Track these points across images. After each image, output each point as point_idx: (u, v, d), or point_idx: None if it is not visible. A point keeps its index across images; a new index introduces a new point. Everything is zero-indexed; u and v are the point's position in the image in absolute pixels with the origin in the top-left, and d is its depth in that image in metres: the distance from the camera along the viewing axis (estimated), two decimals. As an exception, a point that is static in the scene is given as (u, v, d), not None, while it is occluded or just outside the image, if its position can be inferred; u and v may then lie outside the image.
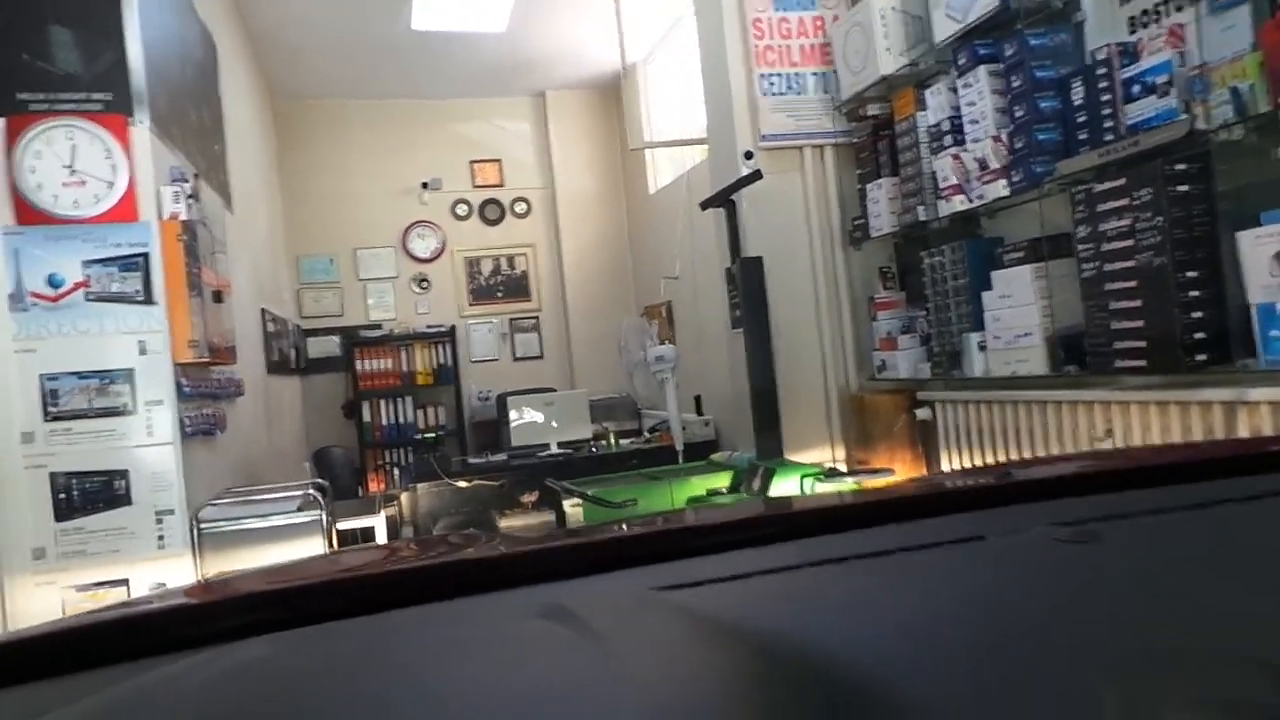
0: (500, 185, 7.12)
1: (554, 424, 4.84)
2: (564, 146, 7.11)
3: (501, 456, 4.90)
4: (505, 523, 4.00)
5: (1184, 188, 2.25)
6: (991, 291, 2.98)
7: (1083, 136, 2.59)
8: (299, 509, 3.16)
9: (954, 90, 3.13)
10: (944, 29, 3.13)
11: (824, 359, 3.92)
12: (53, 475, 2.77)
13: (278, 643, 0.52)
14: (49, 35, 2.79)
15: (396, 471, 6.28)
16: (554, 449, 4.80)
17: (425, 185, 6.89)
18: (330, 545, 3.18)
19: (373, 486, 6.22)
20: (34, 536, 2.75)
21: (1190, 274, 2.24)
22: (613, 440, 4.98)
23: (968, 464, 3.20)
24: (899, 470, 3.45)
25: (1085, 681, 0.39)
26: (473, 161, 7.06)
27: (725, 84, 3.94)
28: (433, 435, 6.38)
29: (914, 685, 0.39)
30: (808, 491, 2.81)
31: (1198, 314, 2.24)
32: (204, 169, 3.63)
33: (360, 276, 6.86)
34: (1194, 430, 2.28)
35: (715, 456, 3.75)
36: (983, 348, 3.05)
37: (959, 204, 3.13)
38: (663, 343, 4.53)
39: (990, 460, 3.08)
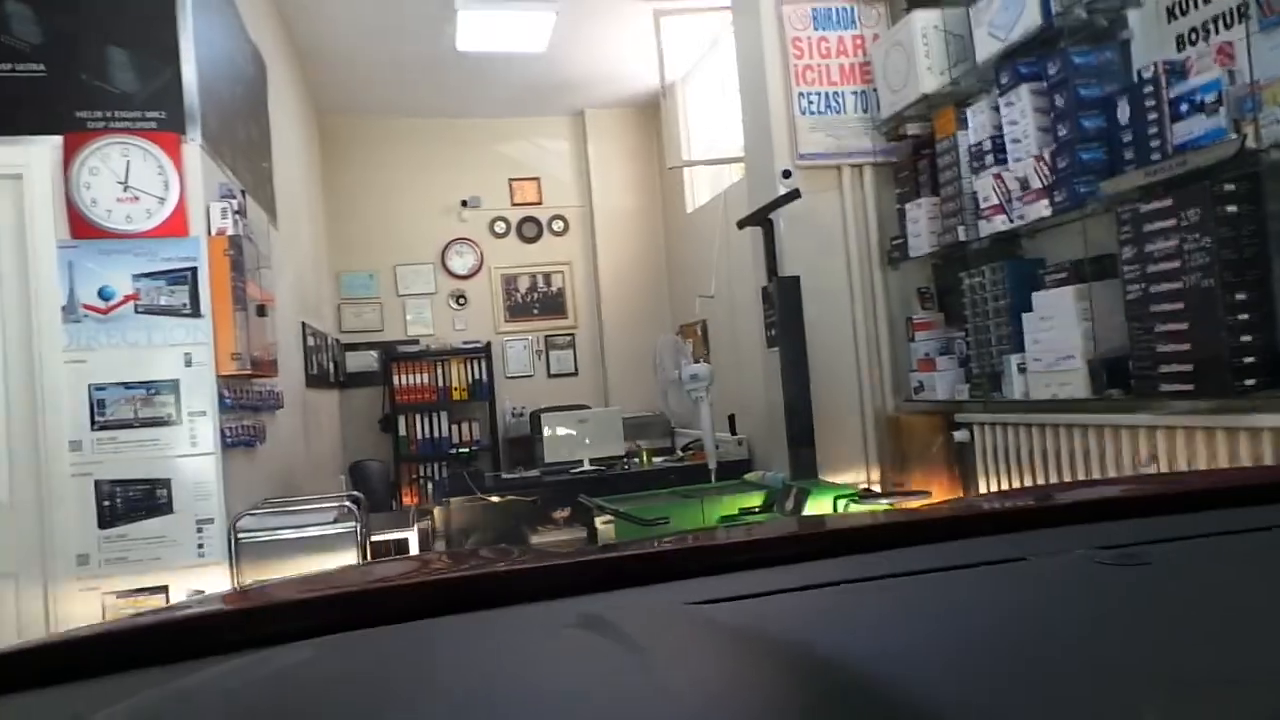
0: (539, 203, 7.19)
1: (587, 441, 4.85)
2: (602, 165, 7.16)
3: (535, 472, 4.91)
4: (537, 538, 4.01)
5: (1233, 208, 2.20)
6: (1032, 313, 2.94)
7: (1128, 156, 2.54)
8: (335, 520, 3.19)
9: (996, 109, 3.10)
10: (986, 47, 3.11)
11: (860, 379, 3.88)
12: (98, 483, 2.84)
13: (321, 647, 0.53)
14: (107, 56, 2.89)
15: (430, 486, 6.33)
16: (587, 466, 4.80)
17: (465, 203, 6.98)
18: (364, 557, 3.21)
19: (407, 500, 6.27)
20: (79, 543, 2.82)
21: (1240, 296, 2.19)
22: (645, 458, 4.97)
23: (1006, 487, 3.14)
24: (935, 493, 3.40)
25: (1128, 704, 0.37)
26: (512, 179, 7.14)
27: (764, 103, 3.95)
28: (467, 450, 6.42)
29: (951, 704, 0.38)
30: (842, 513, 2.77)
31: (1247, 337, 2.18)
32: (251, 185, 3.71)
33: (400, 292, 6.95)
34: (1242, 456, 2.22)
35: (749, 476, 3.72)
36: (1023, 370, 3.00)
37: (1000, 224, 3.09)
38: (697, 361, 4.52)
39: (1029, 483, 3.02)
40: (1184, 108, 2.35)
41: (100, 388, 2.84)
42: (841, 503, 2.81)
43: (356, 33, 5.37)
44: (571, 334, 7.20)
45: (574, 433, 4.82)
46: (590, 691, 0.40)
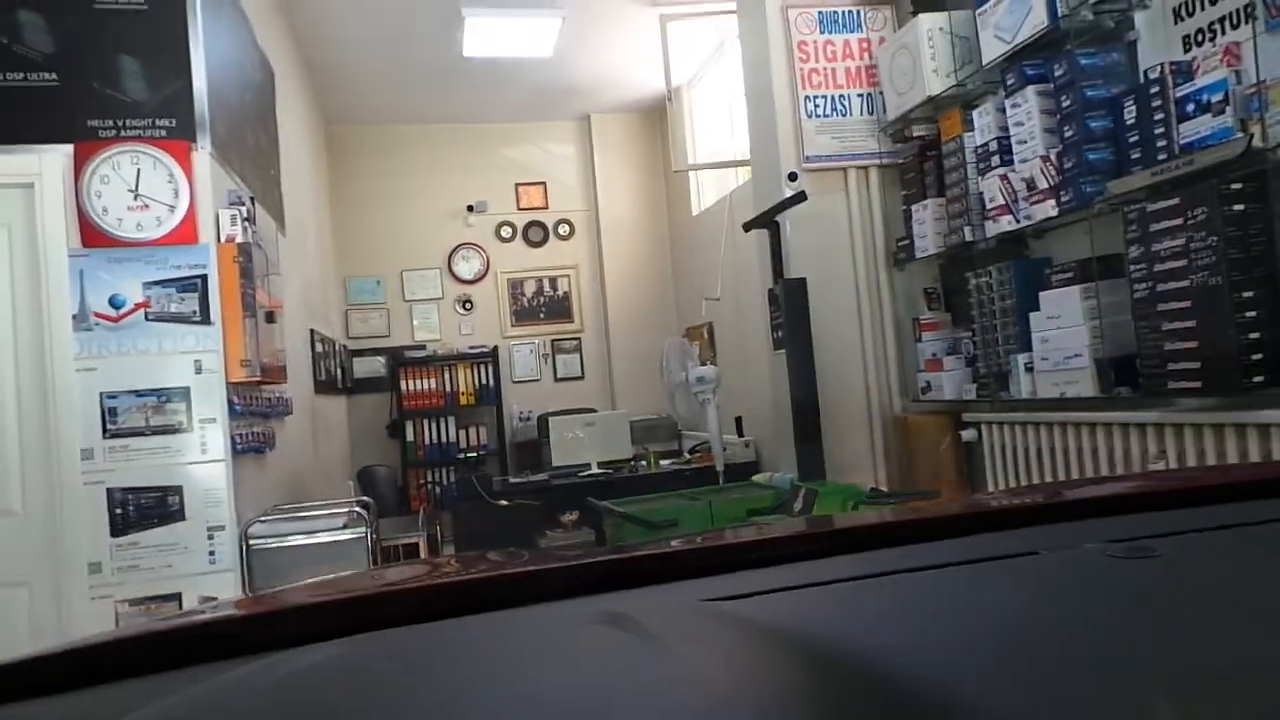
0: (544, 207, 7.21)
1: (594, 444, 4.85)
2: (608, 169, 7.18)
3: (542, 476, 4.92)
4: (546, 542, 4.02)
5: (1240, 207, 2.21)
6: (1039, 312, 2.94)
7: (1135, 156, 2.55)
8: (344, 526, 3.20)
9: (1002, 110, 3.10)
10: (992, 49, 3.11)
11: (867, 380, 3.89)
12: (110, 491, 2.85)
13: (343, 647, 0.54)
14: (118, 65, 2.91)
15: (439, 490, 6.35)
16: (594, 469, 4.81)
17: (471, 208, 7.00)
18: (375, 562, 3.22)
19: (415, 505, 6.29)
20: (91, 550, 2.83)
21: (1247, 294, 2.19)
22: (653, 461, 4.98)
23: (1014, 486, 3.13)
24: (944, 492, 3.40)
25: (1141, 695, 0.38)
26: (518, 184, 7.17)
27: (769, 106, 3.96)
28: (475, 455, 6.44)
29: (967, 695, 0.39)
30: (851, 513, 2.77)
31: (1254, 334, 2.18)
32: (260, 192, 3.74)
33: (406, 298, 6.98)
34: (1251, 453, 2.22)
35: (757, 478, 3.72)
36: (1030, 369, 3.00)
37: (1006, 224, 3.09)
38: (704, 363, 4.53)
39: (1037, 483, 3.02)
40: (1190, 108, 2.35)
41: (112, 395, 2.86)
42: (850, 503, 2.81)
43: (364, 40, 5.40)
44: (578, 338, 7.22)
45: (581, 436, 4.83)
46: (619, 681, 0.41)
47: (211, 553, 2.91)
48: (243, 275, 3.00)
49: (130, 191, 2.88)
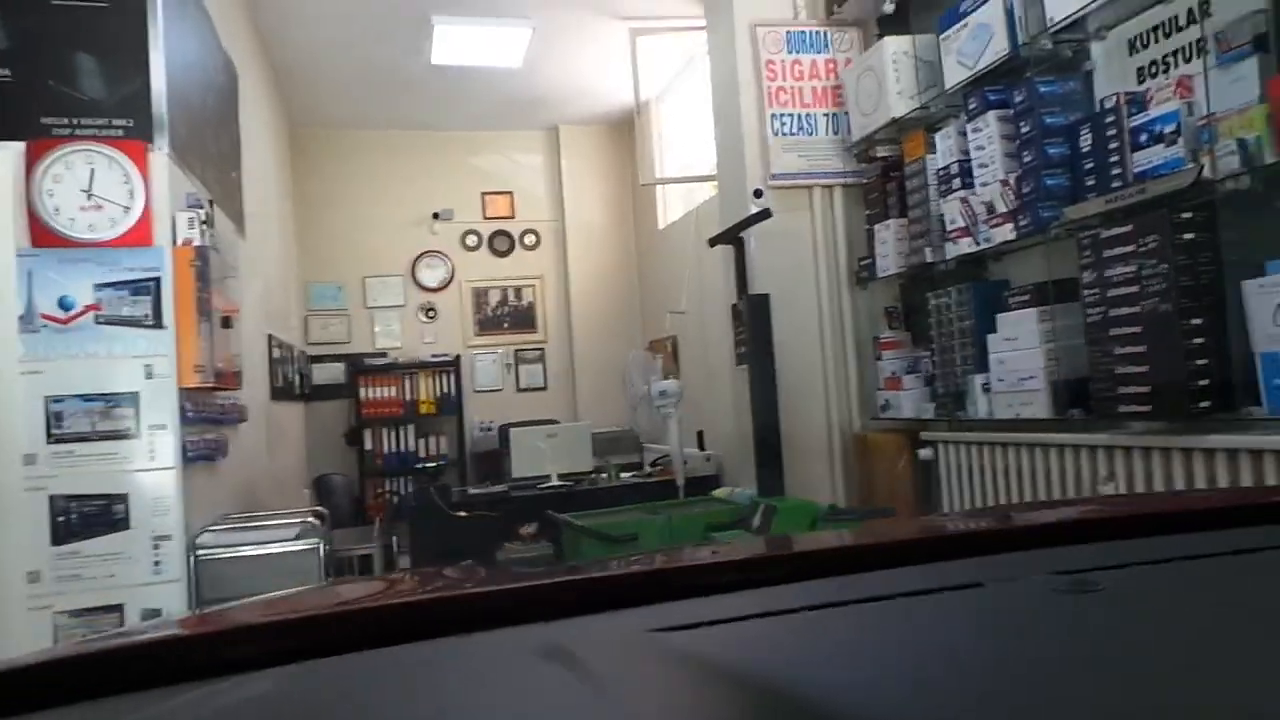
0: (511, 217, 7.18)
1: (556, 456, 4.83)
2: (575, 180, 7.18)
3: (502, 487, 4.88)
4: (504, 555, 3.98)
5: (1190, 236, 2.26)
6: (996, 334, 2.99)
7: (1090, 183, 2.60)
8: (297, 537, 3.14)
9: (963, 134, 3.16)
10: (955, 74, 3.17)
11: (828, 397, 3.92)
12: (52, 498, 2.77)
13: (275, 679, 0.52)
14: (75, 62, 2.85)
15: (396, 500, 6.26)
16: (555, 481, 4.78)
17: (436, 215, 6.95)
18: (327, 574, 3.17)
19: (372, 515, 6.20)
20: (30, 559, 2.74)
21: (1195, 321, 2.24)
22: (614, 473, 4.96)
23: (968, 505, 3.17)
24: (900, 510, 3.43)
25: None
26: (484, 193, 7.13)
27: (737, 123, 3.99)
28: (434, 465, 6.37)
29: None
30: (808, 530, 2.79)
31: (1202, 361, 2.24)
32: (219, 195, 3.67)
33: (368, 304, 6.90)
34: (1197, 477, 2.26)
35: (717, 492, 3.73)
36: (987, 390, 3.05)
37: (966, 246, 3.14)
38: (667, 377, 4.53)
39: (991, 502, 3.06)
40: (1144, 137, 2.41)
41: (57, 399, 2.78)
42: (809, 520, 2.83)
43: (331, 44, 5.35)
44: (541, 348, 7.19)
45: (542, 447, 4.80)
46: None
47: (157, 563, 2.83)
48: (198, 279, 2.94)
49: (83, 191, 2.81)
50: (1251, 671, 0.44)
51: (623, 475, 4.99)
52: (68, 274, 2.80)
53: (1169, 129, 2.34)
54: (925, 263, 3.39)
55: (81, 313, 2.80)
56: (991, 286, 3.18)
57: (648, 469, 5.25)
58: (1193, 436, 2.28)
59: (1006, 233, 2.93)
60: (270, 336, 4.95)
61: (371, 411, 6.45)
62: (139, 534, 2.81)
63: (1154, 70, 2.53)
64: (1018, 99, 2.88)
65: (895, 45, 3.51)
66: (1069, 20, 2.63)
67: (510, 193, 7.18)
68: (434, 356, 6.70)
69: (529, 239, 7.20)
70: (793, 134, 3.98)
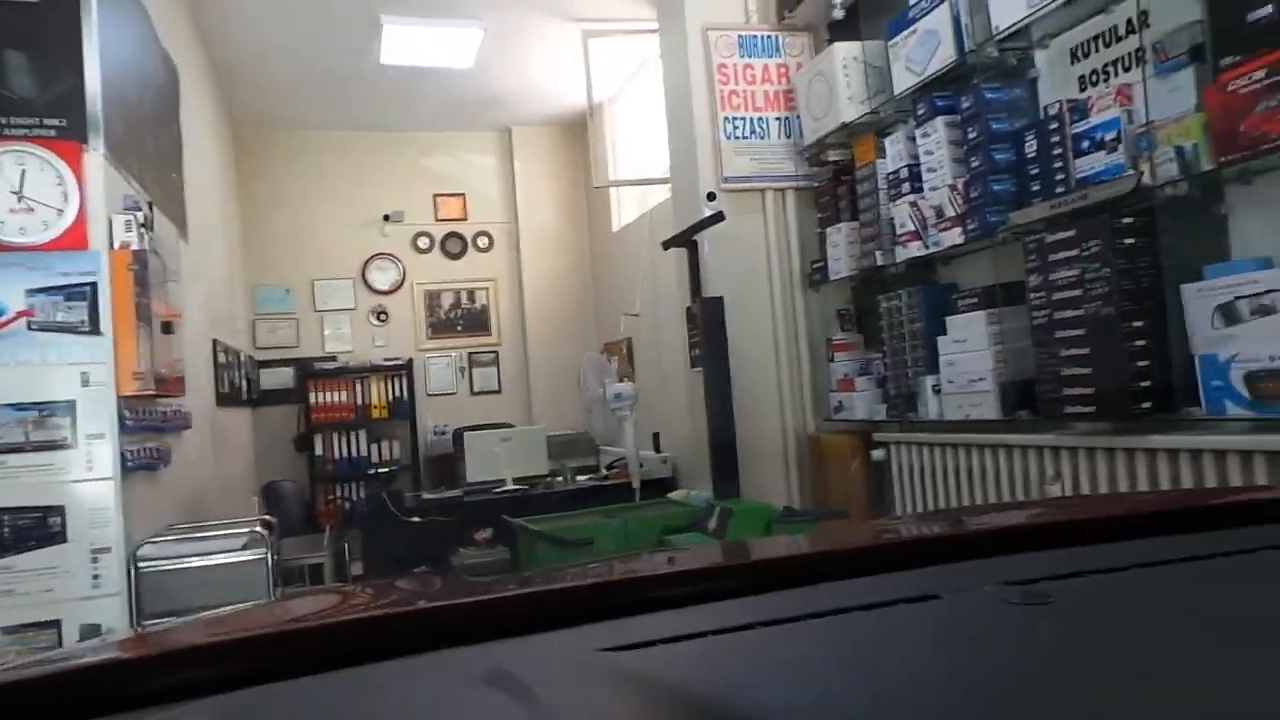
0: (463, 219, 7.11)
1: (510, 459, 4.78)
2: (529, 182, 7.14)
3: (456, 492, 4.82)
4: (459, 561, 3.93)
5: (1130, 241, 2.32)
6: (946, 336, 3.03)
7: (1035, 188, 2.66)
8: (244, 546, 3.07)
9: (912, 139, 3.20)
10: (904, 80, 3.21)
11: (782, 399, 3.94)
12: (-16, 510, 2.66)
13: (211, 709, 0.50)
14: (4, 60, 2.74)
15: (348, 507, 6.15)
16: (510, 485, 4.74)
17: (387, 217, 6.85)
18: (276, 584, 3.09)
19: (323, 522, 6.07)
20: (-39, 574, 2.63)
21: (1136, 324, 2.30)
22: (569, 477, 4.93)
23: (920, 506, 3.22)
24: (854, 511, 3.46)
25: None
26: (436, 195, 7.05)
27: (689, 126, 3.99)
28: (386, 470, 6.27)
29: None
30: (764, 532, 2.80)
31: (1143, 363, 2.29)
32: (159, 197, 3.56)
33: (317, 308, 6.77)
34: (1139, 476, 2.32)
35: (673, 495, 3.73)
36: (937, 391, 3.09)
37: (916, 250, 3.19)
38: (622, 380, 4.52)
39: (943, 502, 3.10)
40: (1086, 144, 2.47)
41: (-12, 408, 2.67)
42: (764, 523, 2.84)
43: (276, 42, 5.23)
44: (496, 351, 7.13)
45: (497, 451, 4.76)
46: None
47: (95, 576, 2.73)
48: (137, 284, 2.85)
49: (14, 193, 2.71)
50: (1198, 682, 0.44)
51: (578, 478, 4.97)
52: (-2, 279, 2.69)
53: (1110, 136, 2.40)
54: (876, 266, 3.43)
55: (13, 319, 2.70)
56: (941, 289, 3.23)
57: (604, 472, 5.23)
58: (1135, 437, 2.33)
59: (955, 236, 2.98)
60: (215, 341, 4.82)
61: (322, 416, 6.32)
62: (76, 547, 2.71)
63: (1095, 79, 2.59)
64: (965, 105, 2.93)
65: (845, 51, 3.54)
66: (1013, 29, 2.68)
67: (463, 194, 7.11)
68: (386, 360, 6.60)
69: (482, 241, 7.14)
70: (745, 137, 4.00)
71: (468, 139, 7.12)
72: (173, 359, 3.38)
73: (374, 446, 6.46)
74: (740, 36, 4.02)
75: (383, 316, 6.89)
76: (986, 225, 2.82)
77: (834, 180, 3.80)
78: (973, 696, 0.45)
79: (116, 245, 2.85)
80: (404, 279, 6.94)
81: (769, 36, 4.05)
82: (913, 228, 3.19)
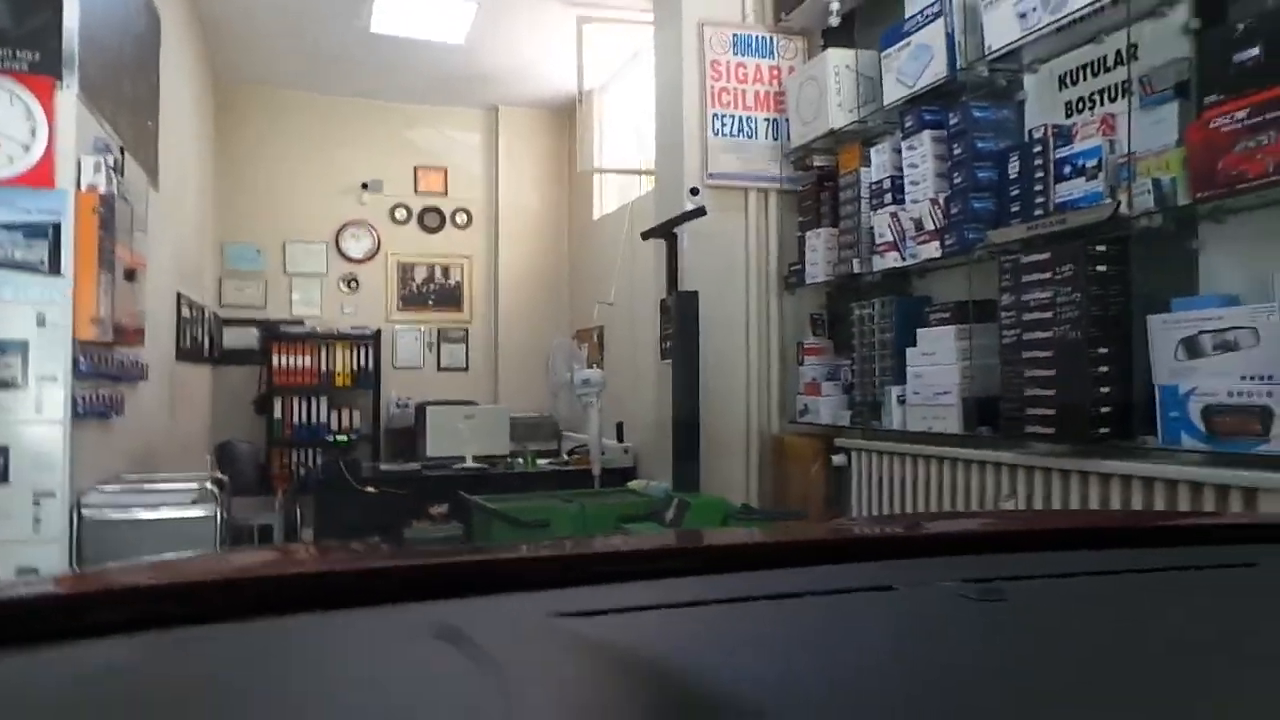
0: (443, 194, 7.04)
1: (472, 437, 4.75)
2: (512, 162, 7.08)
3: (415, 466, 4.78)
4: (412, 534, 3.89)
5: (1103, 268, 2.35)
6: (915, 348, 3.06)
7: (1015, 209, 2.68)
8: (193, 502, 3.01)
9: (898, 151, 3.22)
10: (894, 92, 3.22)
11: (749, 397, 3.95)
12: (-76, 445, 2.58)
13: (147, 645, 0.48)
14: (-22, -16, 2.65)
15: (304, 472, 6.07)
16: (470, 462, 4.70)
17: (365, 186, 6.76)
18: (223, 542, 3.04)
19: (277, 485, 5.99)
20: (-104, 510, 2.56)
21: (1102, 350, 2.33)
22: (530, 459, 4.91)
23: (878, 512, 3.25)
24: (812, 513, 3.49)
25: None
26: (417, 167, 6.97)
27: (678, 119, 3.98)
28: (346, 438, 6.20)
29: None
30: (720, 529, 2.80)
31: (1106, 389, 2.33)
32: (132, 143, 3.48)
33: (288, 270, 6.67)
34: (1091, 499, 2.36)
35: (632, 484, 3.72)
36: (902, 401, 3.12)
37: (892, 260, 3.21)
38: (591, 366, 4.51)
39: (899, 511, 3.13)
40: (1067, 170, 2.50)
41: (-64, 342, 2.59)
42: (721, 517, 2.84)
43: (264, 1, 5.12)
44: (466, 328, 7.07)
45: (459, 428, 4.72)
46: (445, 714, 0.38)
47: (37, 520, 2.67)
48: (102, 227, 2.78)
49: (-20, 123, 2.63)
50: (1139, 690, 0.45)
51: (539, 462, 4.95)
52: (-44, 209, 2.61)
53: (1091, 163, 2.43)
54: (853, 273, 3.45)
55: (-31, 252, 2.62)
56: (914, 302, 3.25)
57: (565, 457, 5.22)
58: (1092, 460, 2.37)
59: (932, 250, 3.00)
60: (180, 295, 4.73)
61: (284, 380, 6.23)
62: (19, 489, 2.64)
63: (1081, 106, 2.62)
64: (952, 121, 2.95)
65: (838, 58, 3.55)
66: (1005, 50, 2.70)
67: (444, 169, 7.03)
68: (353, 328, 6.52)
69: (460, 217, 7.07)
70: (733, 135, 4.00)
71: (453, 114, 7.05)
72: (134, 308, 3.30)
73: (335, 414, 6.38)
74: (735, 35, 4.02)
75: (353, 284, 6.81)
76: (964, 241, 2.85)
77: (817, 185, 3.81)
78: (929, 688, 0.45)
79: (84, 186, 2.78)
80: (378, 249, 6.86)
81: (764, 37, 4.05)
82: (891, 238, 3.21)
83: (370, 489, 4.26)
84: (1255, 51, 2.00)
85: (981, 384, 2.80)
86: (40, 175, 2.69)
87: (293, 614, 0.51)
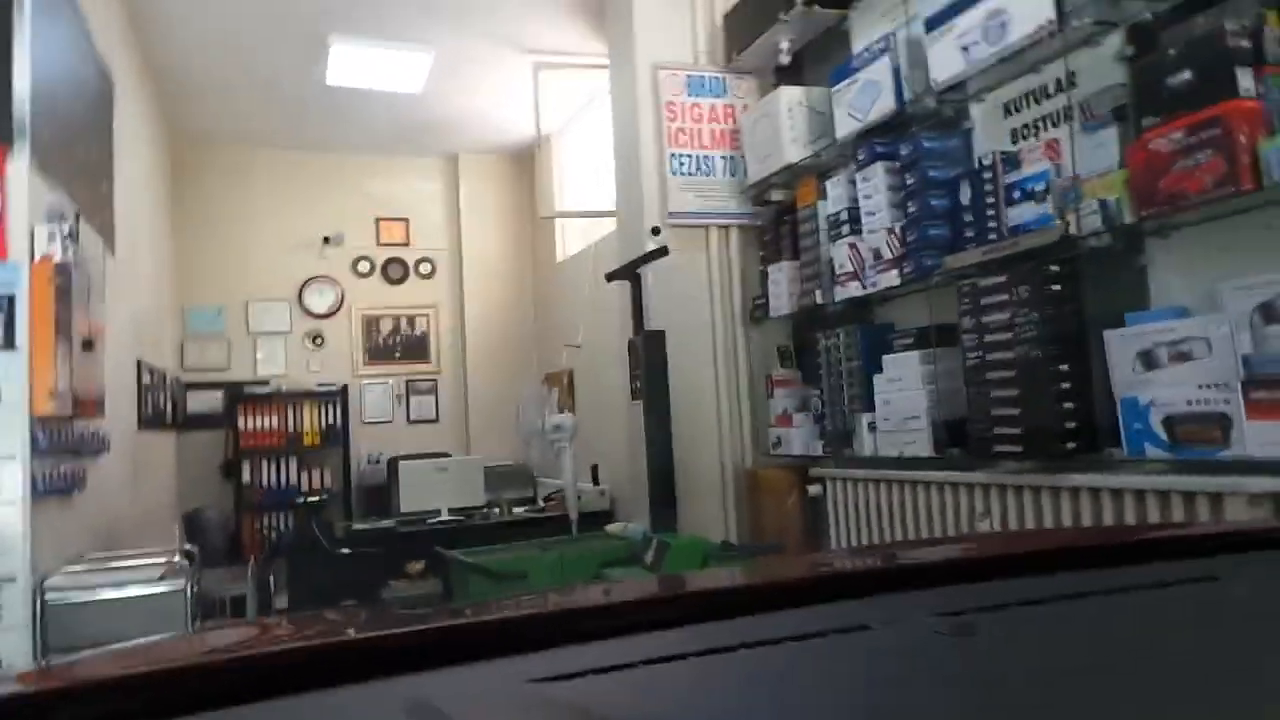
0: (406, 244, 7.03)
1: (446, 490, 4.70)
2: (474, 210, 7.11)
3: (389, 523, 4.71)
4: (390, 594, 3.82)
5: (1057, 287, 2.41)
6: (882, 375, 3.09)
7: (969, 234, 2.74)
8: (162, 577, 2.93)
9: (853, 183, 3.28)
10: (845, 126, 3.30)
11: (721, 433, 3.96)
12: (-123, 533, 2.50)
13: None
14: (-77, 59, 2.63)
15: (276, 537, 5.95)
16: (445, 515, 4.64)
17: (327, 240, 6.74)
18: (195, 617, 2.96)
19: (249, 553, 5.86)
20: None
21: (1063, 367, 2.38)
22: (506, 508, 4.86)
23: (855, 540, 3.25)
24: (791, 545, 3.48)
25: None
26: (379, 219, 6.97)
27: (636, 160, 4.03)
28: (317, 499, 6.10)
29: None
30: (700, 566, 2.79)
31: (1069, 405, 2.37)
32: (87, 207, 3.44)
33: (251, 330, 6.60)
34: (1063, 513, 2.39)
35: (610, 528, 3.70)
36: (873, 428, 3.14)
37: (854, 290, 3.25)
38: (562, 411, 4.49)
39: (877, 537, 3.14)
40: (1017, 194, 2.56)
41: (-113, 424, 2.52)
42: (701, 556, 2.83)
43: (219, 57, 5.14)
44: (434, 379, 7.02)
45: (433, 481, 4.67)
46: None
47: (-2, 606, 2.58)
48: (59, 298, 2.74)
49: (-72, 198, 2.59)
50: (1111, 713, 0.45)
51: (516, 510, 4.90)
52: (-94, 287, 2.56)
53: (1039, 187, 2.49)
54: (816, 304, 3.49)
55: (-80, 330, 2.56)
56: (878, 329, 3.29)
57: (541, 504, 5.17)
58: (1061, 475, 2.40)
59: (892, 278, 3.05)
60: (140, 361, 4.65)
61: (251, 442, 6.13)
62: (-24, 576, 2.55)
63: (1026, 133, 2.70)
64: (904, 152, 3.02)
65: (790, 95, 3.63)
66: (950, 83, 2.78)
67: (406, 219, 7.04)
68: (320, 385, 6.45)
69: (424, 267, 7.07)
70: (691, 174, 4.06)
71: (413, 164, 7.08)
72: (93, 378, 3.24)
73: (305, 475, 6.28)
74: (689, 76, 4.09)
75: (319, 341, 6.75)
76: (922, 268, 2.90)
77: (776, 219, 3.87)
78: None
79: (38, 256, 2.74)
80: (342, 303, 6.82)
81: (717, 78, 4.13)
82: (851, 268, 3.26)
83: (345, 550, 4.18)
84: (1187, 75, 2.08)
85: (949, 407, 2.83)
86: (-8, 248, 2.65)
87: (261, 701, 0.50)
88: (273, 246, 6.65)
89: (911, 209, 2.96)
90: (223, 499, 6.14)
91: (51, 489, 2.79)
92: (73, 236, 3.01)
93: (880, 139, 3.15)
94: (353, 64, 5.21)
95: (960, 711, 0.48)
